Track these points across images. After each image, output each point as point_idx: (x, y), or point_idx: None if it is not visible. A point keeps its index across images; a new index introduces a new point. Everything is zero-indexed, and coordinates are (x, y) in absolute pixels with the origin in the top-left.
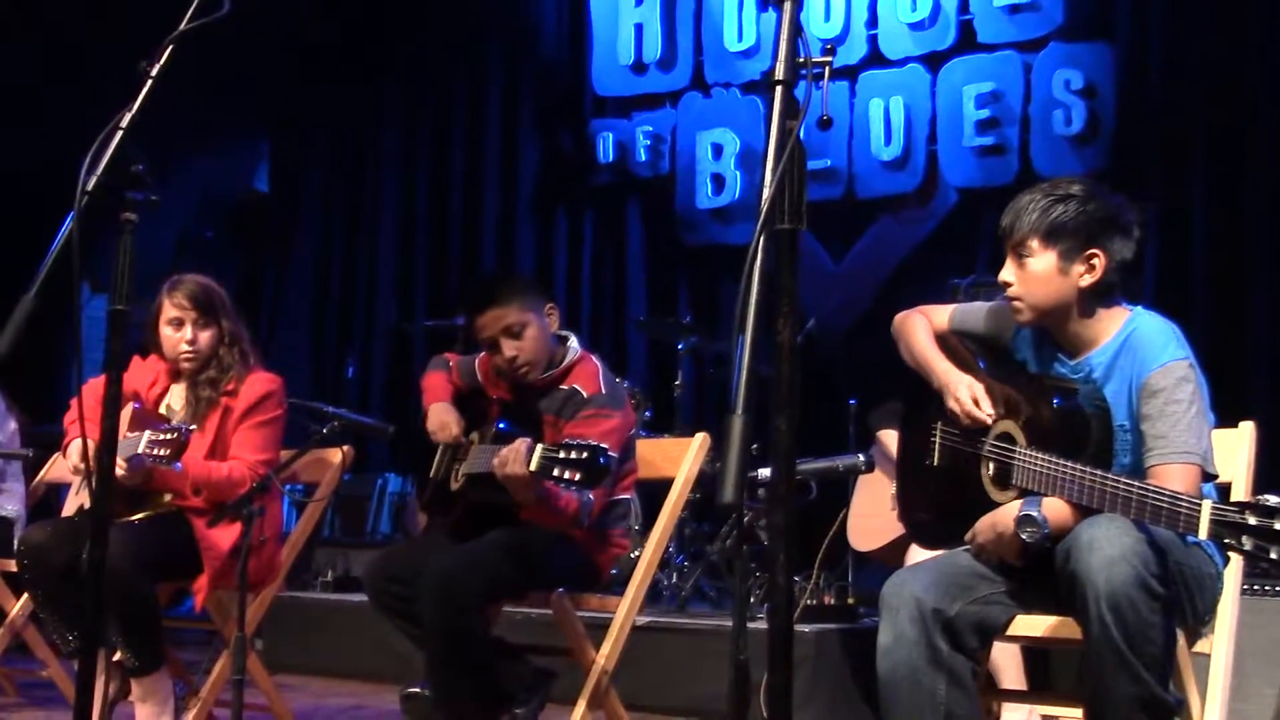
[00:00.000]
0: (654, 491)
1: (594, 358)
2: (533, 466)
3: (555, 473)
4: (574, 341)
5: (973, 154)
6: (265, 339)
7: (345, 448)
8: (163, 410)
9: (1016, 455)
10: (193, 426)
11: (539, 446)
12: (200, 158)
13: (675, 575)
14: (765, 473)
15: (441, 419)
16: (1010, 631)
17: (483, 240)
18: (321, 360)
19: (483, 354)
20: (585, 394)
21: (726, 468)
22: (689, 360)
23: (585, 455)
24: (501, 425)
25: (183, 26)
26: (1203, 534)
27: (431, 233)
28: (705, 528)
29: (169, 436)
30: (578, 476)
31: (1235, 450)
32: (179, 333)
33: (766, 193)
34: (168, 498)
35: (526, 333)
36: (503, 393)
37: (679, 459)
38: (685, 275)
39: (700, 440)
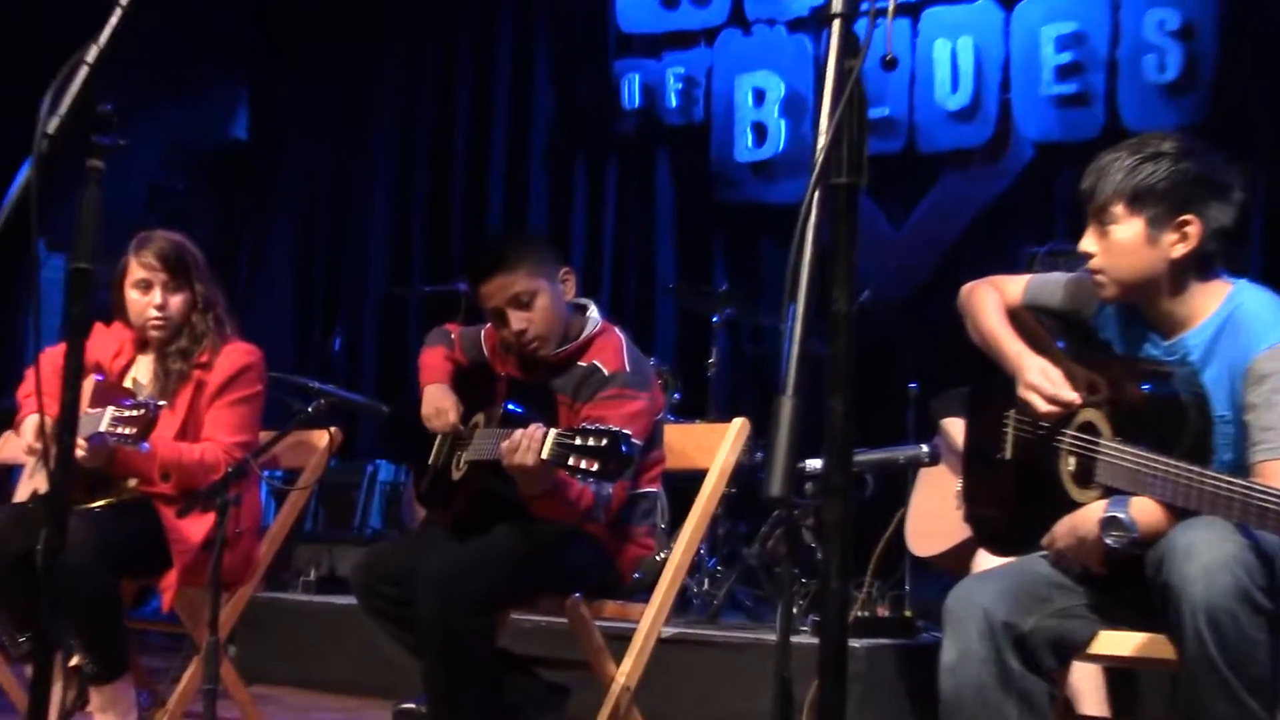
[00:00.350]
0: (684, 485)
1: (616, 330)
2: (545, 454)
3: (570, 462)
4: (593, 311)
5: (1051, 104)
6: (243, 305)
7: (332, 429)
8: (128, 384)
9: (1101, 448)
10: (162, 403)
11: (552, 432)
12: (171, 101)
13: (707, 581)
14: (815, 464)
15: (437, 404)
16: (1092, 650)
17: (489, 196)
18: (306, 330)
19: (489, 326)
20: (606, 372)
21: (774, 456)
22: (725, 334)
23: (605, 442)
24: (510, 406)
25: None
26: None
27: (432, 187)
28: (742, 527)
29: (135, 413)
30: (596, 466)
31: None
32: (147, 296)
33: (822, 141)
34: (133, 483)
35: (537, 303)
36: (512, 369)
37: (713, 447)
38: (721, 237)
39: (738, 426)
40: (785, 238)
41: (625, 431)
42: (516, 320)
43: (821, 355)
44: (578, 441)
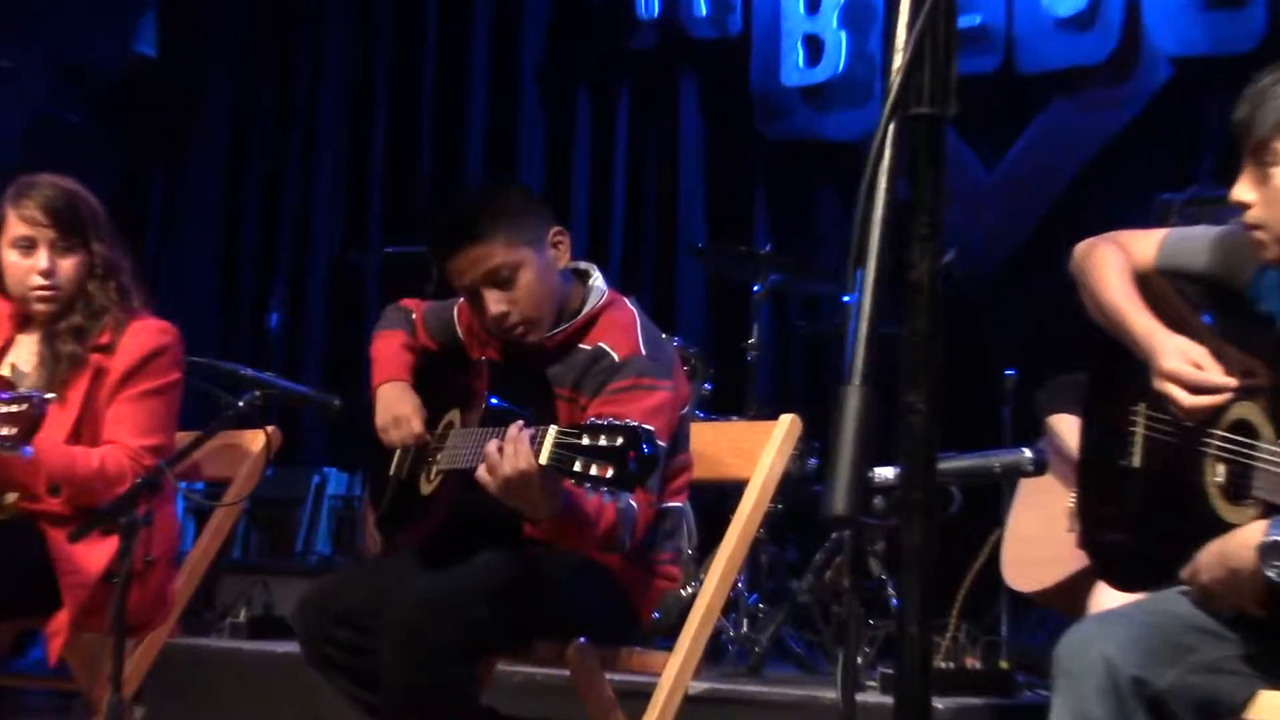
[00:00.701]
0: (716, 500)
1: (627, 303)
2: (543, 458)
3: (578, 467)
4: (597, 279)
5: (1194, 8)
6: (155, 271)
7: (269, 430)
8: (4, 371)
9: (1260, 454)
10: (50, 395)
11: (552, 429)
12: (60, 10)
13: (747, 623)
14: (886, 474)
15: (395, 410)
16: (1249, 715)
17: (467, 134)
18: (235, 302)
19: (462, 300)
20: (615, 357)
21: (835, 463)
22: (769, 308)
23: (621, 440)
24: (494, 401)
25: None
26: None
27: (393, 121)
28: (792, 554)
29: (15, 409)
30: (610, 472)
31: None
32: (29, 259)
33: (897, 60)
34: (11, 498)
35: (521, 278)
36: (494, 353)
37: (754, 451)
38: (764, 184)
39: (786, 425)
40: (849, 184)
41: (647, 427)
42: (495, 302)
43: (896, 335)
44: (585, 440)
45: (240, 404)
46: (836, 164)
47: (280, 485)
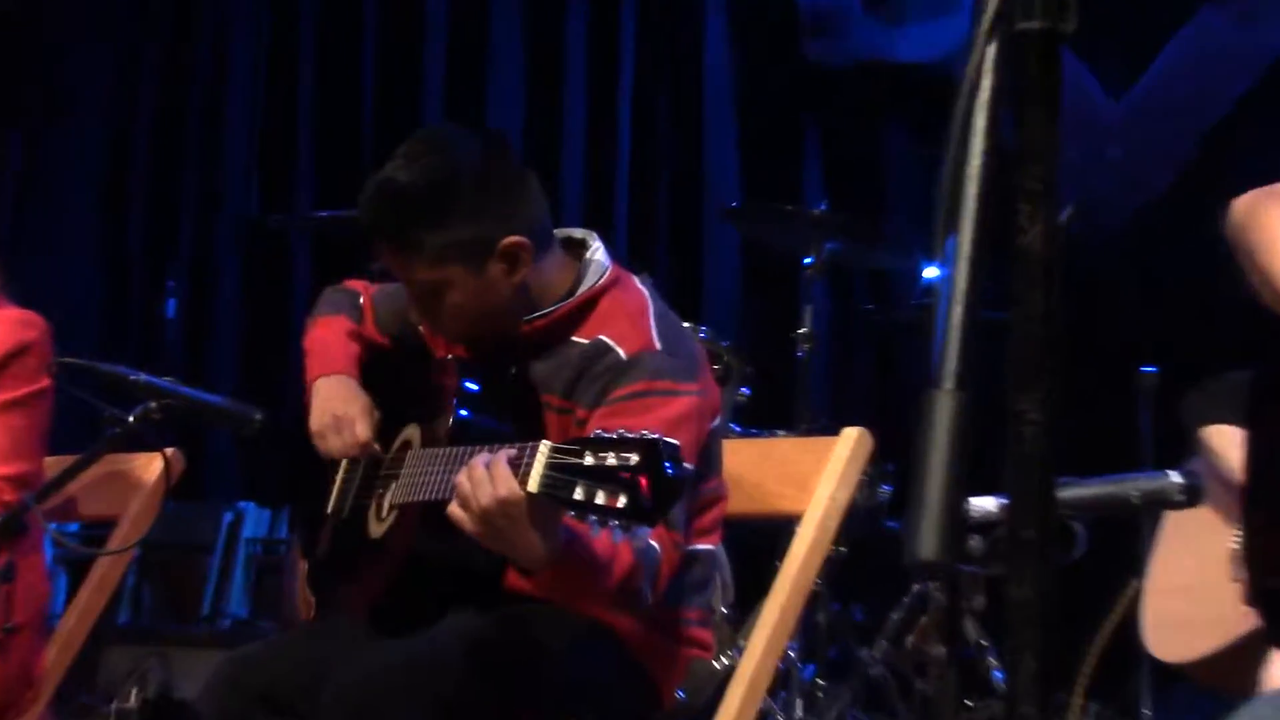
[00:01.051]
0: (759, 541)
1: (637, 282)
2: (532, 484)
3: (578, 494)
4: (597, 251)
5: None
6: (12, 246)
7: (168, 453)
8: None
9: None
10: None
11: (543, 446)
12: None
13: (801, 703)
14: (988, 505)
15: (336, 408)
16: None
17: (423, 59)
18: (120, 286)
19: None
20: (622, 352)
21: (922, 492)
22: (824, 287)
23: (635, 457)
24: (464, 413)
25: None
26: None
27: (324, 41)
28: (859, 613)
29: None
30: (622, 501)
31: None
32: None
33: None
34: None
35: (446, 297)
36: (458, 349)
37: (807, 478)
38: (816, 124)
39: (851, 442)
40: (929, 123)
41: (670, 440)
42: (417, 313)
43: (999, 321)
44: (588, 459)
45: (129, 419)
46: (912, 96)
47: (182, 526)
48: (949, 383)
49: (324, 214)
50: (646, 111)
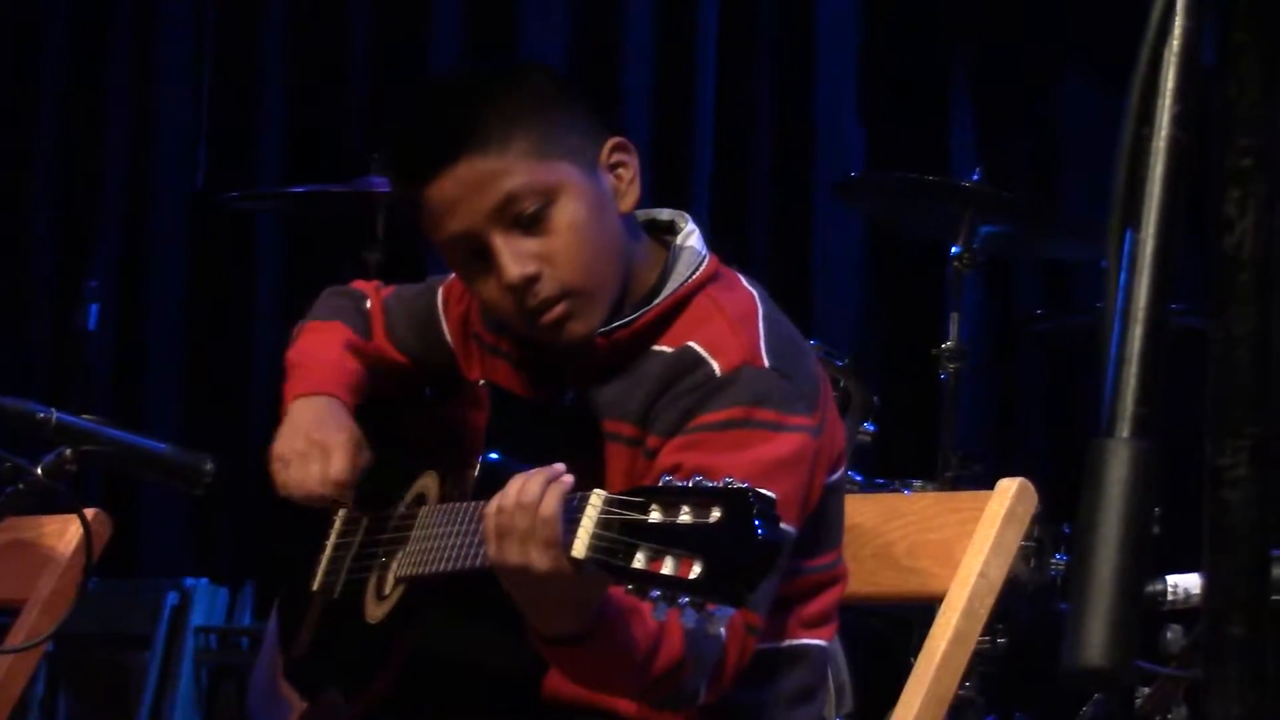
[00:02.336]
0: (885, 631)
1: (744, 281)
2: (579, 548)
3: (639, 562)
4: (691, 236)
5: None
6: None
7: (90, 514)
8: None
9: None
10: None
11: (594, 498)
12: None
13: None
14: (1187, 585)
15: (308, 432)
16: None
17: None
18: (16, 289)
19: (451, 278)
20: (716, 366)
21: (1089, 576)
22: (975, 286)
23: (718, 514)
24: (494, 456)
25: None
26: None
27: None
28: None
29: None
30: (697, 571)
31: None
32: None
33: None
34: None
35: (558, 215)
36: (505, 368)
37: (952, 546)
38: (963, 68)
39: (1010, 496)
40: (1113, 67)
41: (765, 493)
42: (515, 257)
43: (1197, 337)
44: (654, 515)
45: (38, 470)
46: (1093, 25)
47: (109, 613)
48: (1125, 429)
49: (298, 189)
50: (736, 46)
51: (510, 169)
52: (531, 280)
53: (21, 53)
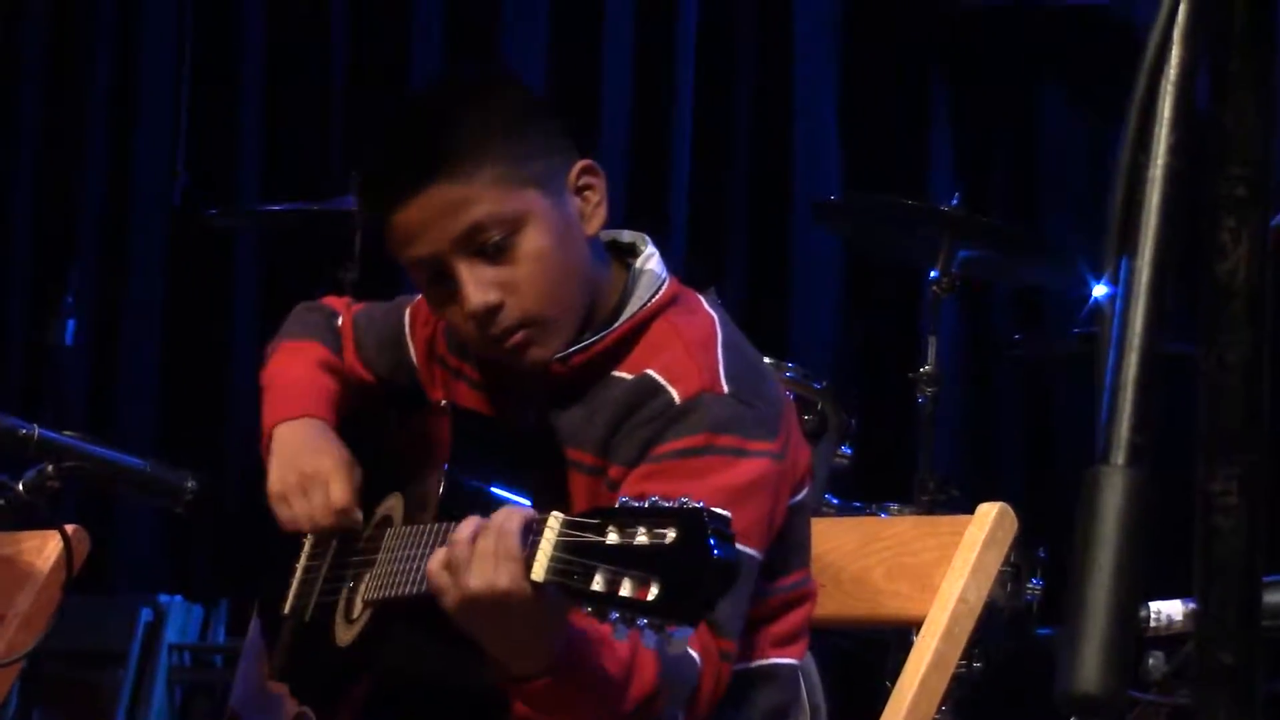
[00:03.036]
0: (861, 654)
1: (704, 302)
2: (538, 571)
3: (598, 585)
4: (650, 259)
5: None
6: None
7: (69, 530)
8: None
9: None
10: None
11: (553, 519)
12: None
13: None
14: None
15: (302, 465)
16: None
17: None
18: (3, 308)
19: (419, 299)
20: (675, 394)
21: (1084, 602)
22: (953, 310)
23: (672, 534)
24: (459, 477)
25: None
26: None
27: None
28: None
29: None
30: (654, 592)
31: None
32: None
33: None
34: None
35: (523, 243)
36: (466, 390)
37: (929, 570)
38: (945, 86)
39: (990, 522)
40: (1098, 87)
41: (718, 510)
42: (478, 285)
43: (1188, 363)
44: (612, 537)
45: (18, 487)
46: (1073, 49)
47: (83, 629)
48: (1120, 456)
49: (275, 207)
50: (714, 67)
51: (477, 198)
52: (494, 309)
53: (1, 66)
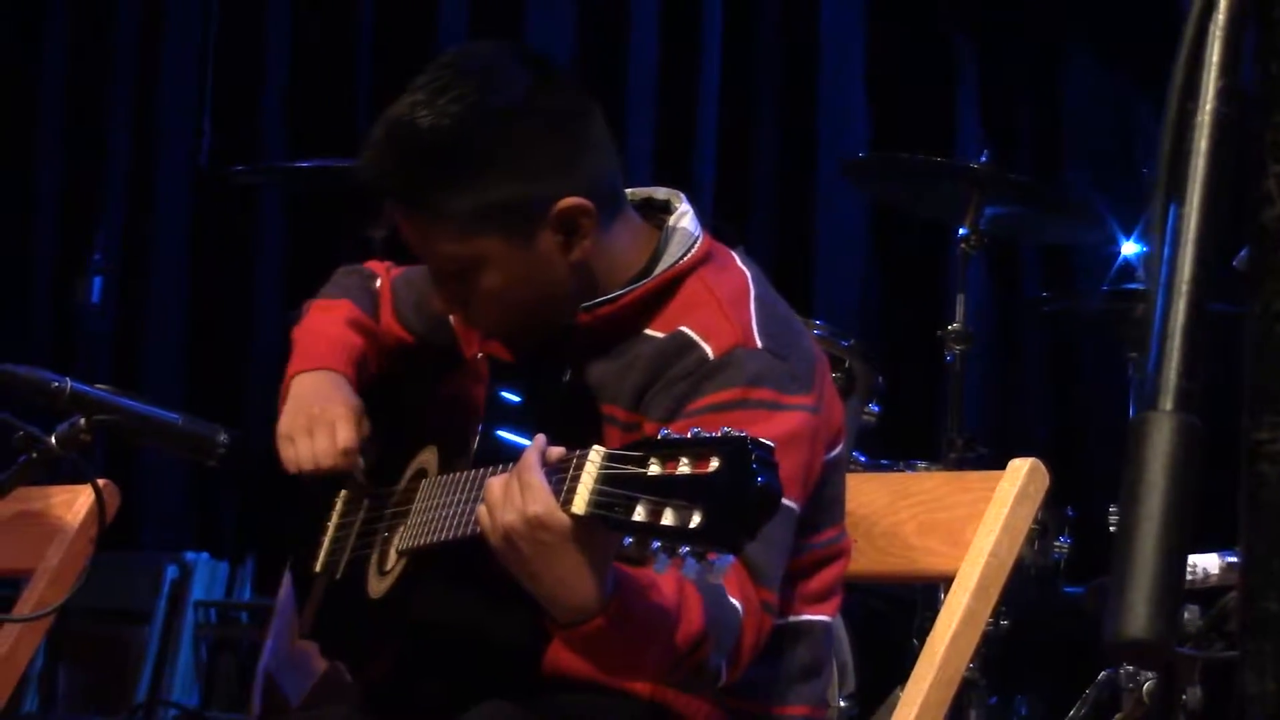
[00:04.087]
0: (889, 614)
1: (737, 259)
2: (579, 504)
3: (640, 515)
4: (685, 217)
5: None
6: None
7: (100, 484)
8: None
9: None
10: None
11: (594, 454)
12: None
13: None
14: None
15: (308, 407)
16: None
17: None
18: (23, 262)
19: None
20: (709, 350)
21: (1133, 550)
22: (981, 268)
23: (716, 464)
24: (496, 431)
25: None
26: None
27: None
28: (1024, 706)
29: None
30: (696, 520)
31: None
32: None
33: None
34: None
35: (481, 280)
36: (498, 348)
37: (959, 526)
38: (971, 43)
39: (1021, 478)
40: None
41: (763, 440)
42: (441, 296)
43: (1234, 319)
44: (653, 468)
45: (52, 439)
46: (1096, 12)
47: (109, 586)
48: (1169, 402)
49: (302, 164)
50: (741, 27)
51: (437, 235)
52: (459, 313)
53: (26, 30)
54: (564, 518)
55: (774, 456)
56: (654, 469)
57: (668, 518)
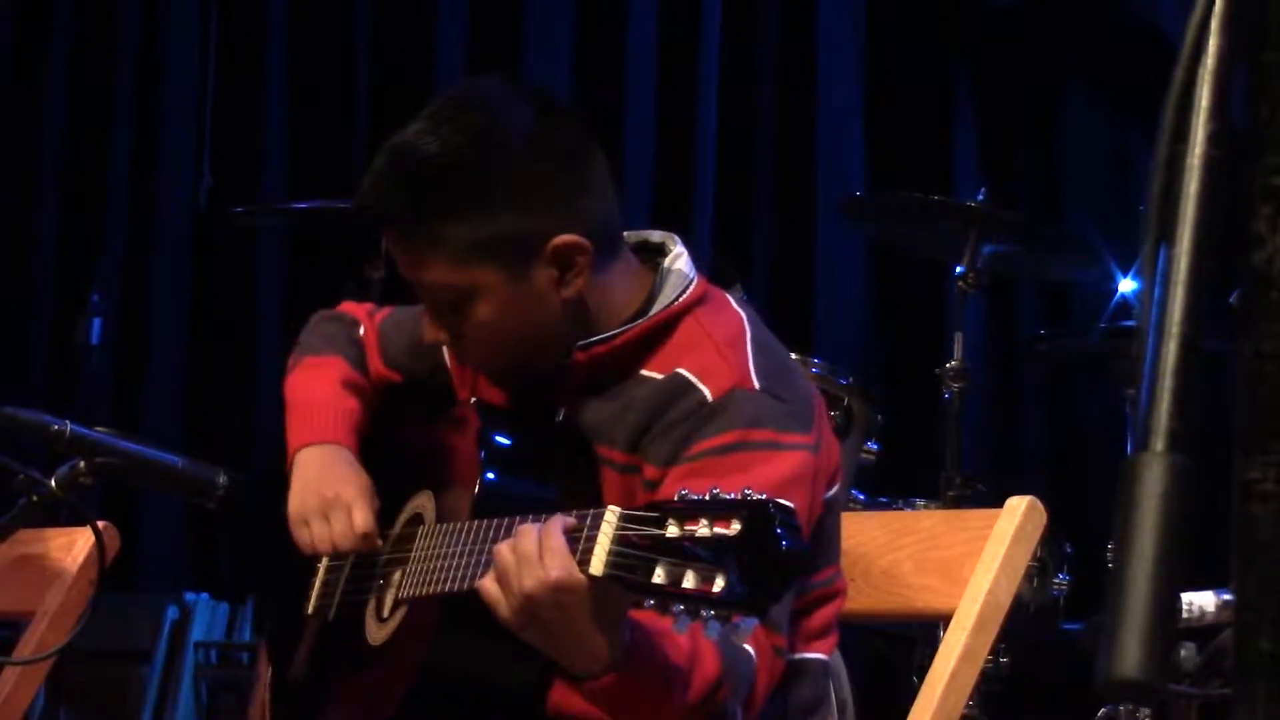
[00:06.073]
0: (888, 649)
1: (732, 301)
2: (596, 565)
3: (660, 578)
4: (679, 258)
5: None
6: None
7: (100, 526)
8: None
9: None
10: None
11: (610, 514)
12: None
13: None
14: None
15: (322, 489)
16: None
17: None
18: (22, 302)
19: None
20: (708, 392)
21: (1125, 589)
22: (978, 307)
23: (738, 527)
24: (491, 476)
25: None
26: None
27: None
28: None
29: None
30: (719, 585)
31: None
32: None
33: None
34: None
35: (475, 311)
36: (490, 388)
37: (957, 564)
38: (971, 81)
39: (1018, 516)
40: (1128, 83)
41: (783, 502)
42: (430, 326)
43: (1226, 357)
44: (671, 530)
45: (52, 482)
46: (1096, 45)
47: (109, 627)
48: (1160, 443)
49: (302, 205)
50: (739, 65)
51: (430, 264)
52: (446, 343)
53: (26, 68)
54: (582, 579)
55: (796, 519)
56: (672, 530)
57: (689, 581)
